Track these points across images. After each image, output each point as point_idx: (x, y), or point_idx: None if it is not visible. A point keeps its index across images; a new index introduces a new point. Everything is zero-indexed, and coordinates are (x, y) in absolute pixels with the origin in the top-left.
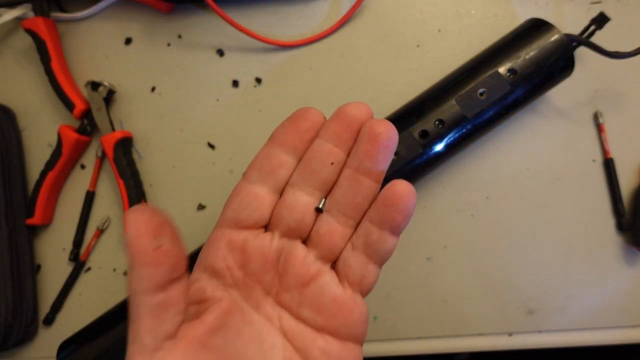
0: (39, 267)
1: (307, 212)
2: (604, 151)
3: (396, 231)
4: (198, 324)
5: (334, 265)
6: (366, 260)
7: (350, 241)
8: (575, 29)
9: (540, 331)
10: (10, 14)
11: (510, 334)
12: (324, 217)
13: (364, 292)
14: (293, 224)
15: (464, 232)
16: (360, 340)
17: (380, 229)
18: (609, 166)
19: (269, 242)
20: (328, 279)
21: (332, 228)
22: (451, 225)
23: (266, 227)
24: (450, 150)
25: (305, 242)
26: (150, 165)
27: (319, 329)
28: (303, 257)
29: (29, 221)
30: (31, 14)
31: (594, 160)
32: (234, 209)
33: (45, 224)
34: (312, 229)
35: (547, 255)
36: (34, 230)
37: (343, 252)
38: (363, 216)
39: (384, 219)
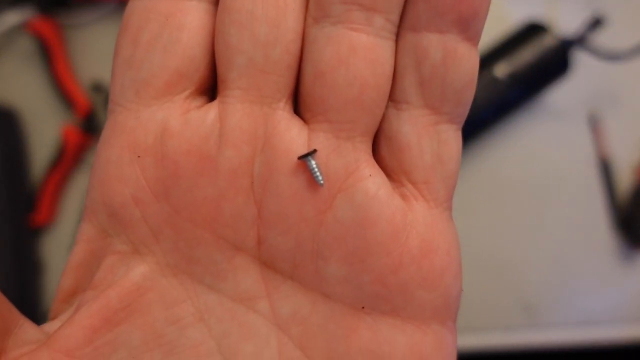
0: (42, 267)
1: (280, 18)
2: (601, 152)
3: (470, 26)
4: (61, 341)
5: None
6: (434, 118)
7: (390, 100)
8: (571, 30)
9: (537, 329)
10: (15, 16)
11: (506, 331)
12: (317, 31)
13: (448, 196)
14: (261, 60)
15: (462, 231)
16: (452, 314)
17: (440, 31)
18: (606, 167)
19: (214, 120)
20: (371, 186)
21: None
22: None
23: (206, 91)
24: None
25: (301, 114)
26: None
27: (365, 302)
28: (302, 142)
29: (32, 221)
30: (36, 16)
31: (591, 161)
32: (126, 59)
33: (49, 224)
34: (299, 74)
35: (544, 254)
36: (37, 230)
37: (383, 123)
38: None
39: (441, 10)
